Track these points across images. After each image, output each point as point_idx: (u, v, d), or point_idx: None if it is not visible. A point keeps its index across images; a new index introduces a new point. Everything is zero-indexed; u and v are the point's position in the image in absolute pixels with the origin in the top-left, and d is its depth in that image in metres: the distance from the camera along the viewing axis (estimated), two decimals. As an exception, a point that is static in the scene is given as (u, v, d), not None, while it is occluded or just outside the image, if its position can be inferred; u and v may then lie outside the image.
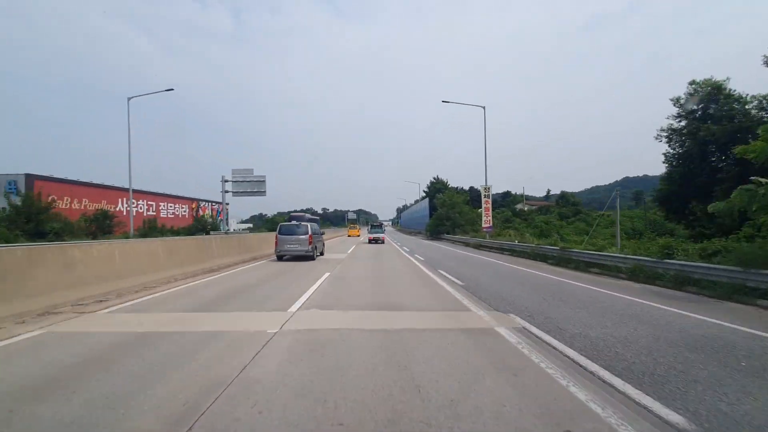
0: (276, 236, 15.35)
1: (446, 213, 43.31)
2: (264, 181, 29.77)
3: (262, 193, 30.49)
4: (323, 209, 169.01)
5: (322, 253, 17.55)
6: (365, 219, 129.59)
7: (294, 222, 16.28)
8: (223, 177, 30.48)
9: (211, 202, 59.14)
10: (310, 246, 15.15)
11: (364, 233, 47.64)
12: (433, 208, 51.56)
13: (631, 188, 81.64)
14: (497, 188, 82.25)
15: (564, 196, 68.18)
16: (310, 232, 15.27)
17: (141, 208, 44.48)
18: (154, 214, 45.16)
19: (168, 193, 51.00)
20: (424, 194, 67.69)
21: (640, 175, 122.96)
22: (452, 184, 66.67)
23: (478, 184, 37.47)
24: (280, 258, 15.33)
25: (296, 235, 15.13)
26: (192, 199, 55.63)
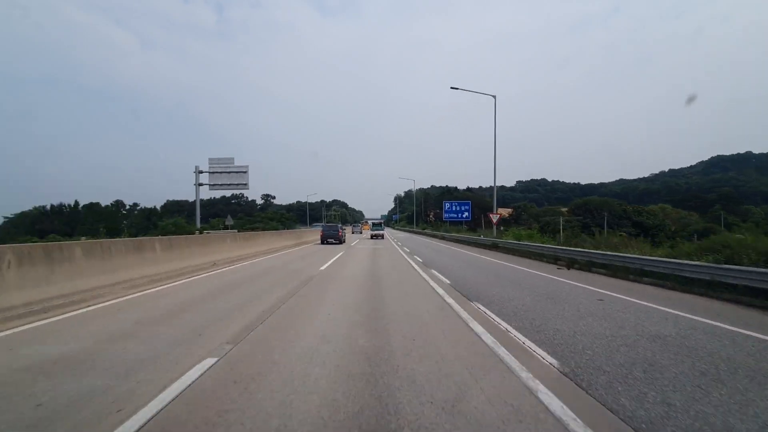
0: (352, 227, 60.51)
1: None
2: (246, 172, 27.37)
3: (245, 186, 28.24)
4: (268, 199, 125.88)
5: (361, 231, 53.44)
6: (347, 215, 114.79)
7: (357, 223, 75.51)
8: (197, 167, 28.06)
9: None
10: (353, 230, 56.29)
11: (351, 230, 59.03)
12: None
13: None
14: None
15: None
16: (359, 224, 67.39)
17: None
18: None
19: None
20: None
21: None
22: (441, 183, 42.13)
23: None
24: (352, 233, 50.36)
25: (358, 225, 62.21)
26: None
